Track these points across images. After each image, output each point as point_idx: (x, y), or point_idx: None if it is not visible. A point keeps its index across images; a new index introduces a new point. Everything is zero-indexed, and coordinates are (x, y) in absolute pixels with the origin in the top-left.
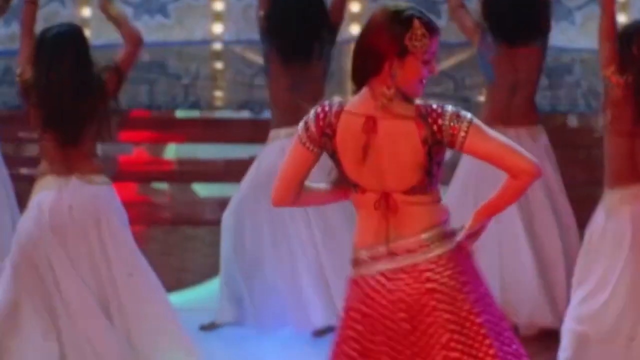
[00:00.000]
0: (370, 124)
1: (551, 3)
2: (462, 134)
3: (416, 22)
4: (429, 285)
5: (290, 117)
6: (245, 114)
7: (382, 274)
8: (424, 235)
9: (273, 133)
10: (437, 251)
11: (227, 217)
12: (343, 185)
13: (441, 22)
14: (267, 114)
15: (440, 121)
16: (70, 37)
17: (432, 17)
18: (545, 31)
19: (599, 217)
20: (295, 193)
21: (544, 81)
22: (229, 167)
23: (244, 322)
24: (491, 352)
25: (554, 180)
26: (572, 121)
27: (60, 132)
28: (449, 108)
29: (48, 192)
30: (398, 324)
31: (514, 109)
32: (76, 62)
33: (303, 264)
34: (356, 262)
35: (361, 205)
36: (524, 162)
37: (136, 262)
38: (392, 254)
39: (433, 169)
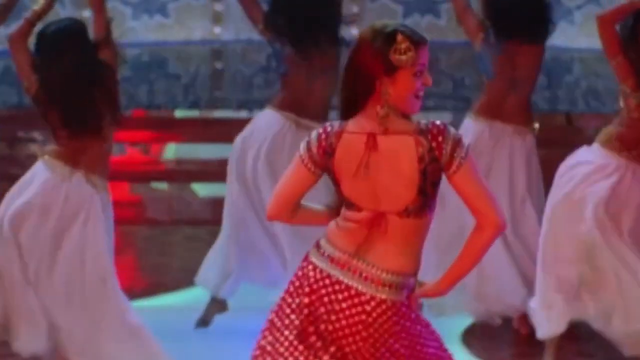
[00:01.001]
0: (372, 141)
1: (551, 3)
2: (460, 160)
3: (399, 36)
4: (364, 317)
5: (301, 109)
6: (244, 114)
7: (337, 281)
8: (386, 275)
9: (267, 109)
10: (386, 295)
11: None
12: (339, 210)
13: (441, 22)
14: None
15: (440, 138)
16: (68, 33)
17: (432, 17)
18: (548, 30)
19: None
20: (290, 210)
21: (543, 80)
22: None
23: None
24: None
25: (536, 182)
26: (572, 120)
27: (80, 127)
28: (452, 130)
29: (50, 174)
30: (328, 330)
31: (508, 106)
32: (79, 56)
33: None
34: (320, 249)
35: (352, 224)
36: (496, 214)
37: (108, 270)
38: (351, 269)
39: (427, 188)
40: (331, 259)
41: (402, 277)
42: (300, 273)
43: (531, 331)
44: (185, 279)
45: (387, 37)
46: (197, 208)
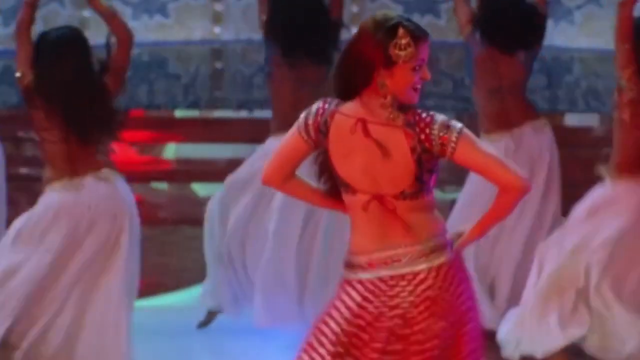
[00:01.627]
0: (360, 126)
1: (546, 15)
2: (452, 144)
3: (400, 31)
4: (427, 293)
5: (289, 124)
6: (244, 114)
7: (381, 280)
8: (423, 245)
9: (270, 140)
10: (435, 261)
11: (212, 206)
12: (333, 192)
13: (441, 22)
14: (265, 114)
15: (428, 130)
16: (69, 40)
17: (432, 17)
18: (532, 44)
19: (597, 192)
20: (284, 176)
21: (543, 80)
22: (229, 166)
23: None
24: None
25: (555, 176)
26: (571, 120)
27: (68, 133)
28: (439, 118)
29: (64, 193)
30: (393, 329)
31: (511, 112)
32: (77, 64)
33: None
34: (350, 265)
35: (352, 207)
36: (513, 177)
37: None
38: (390, 261)
39: (424, 176)
40: (369, 264)
41: (433, 240)
42: (340, 299)
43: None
44: (185, 279)
45: (389, 31)
46: (197, 208)
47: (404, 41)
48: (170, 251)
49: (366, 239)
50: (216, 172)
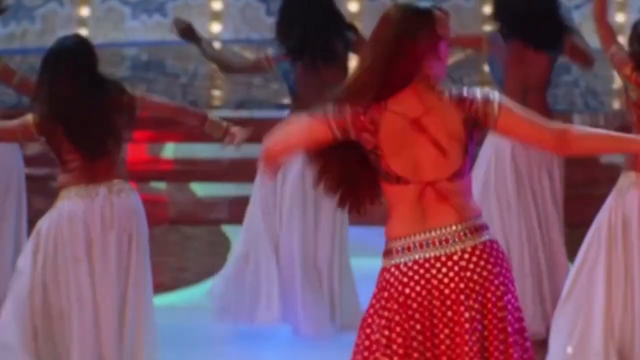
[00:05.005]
0: (416, 127)
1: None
2: (494, 115)
3: (437, 13)
4: (463, 274)
5: None
6: (243, 113)
7: (417, 262)
8: (460, 226)
9: None
10: (471, 242)
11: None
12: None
13: None
14: (264, 113)
15: (474, 105)
16: (67, 54)
17: None
18: (557, 40)
19: (608, 202)
20: (288, 153)
21: None
22: (228, 166)
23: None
24: (503, 347)
25: (558, 185)
26: (571, 120)
27: (84, 148)
28: (478, 93)
29: (78, 200)
30: (432, 311)
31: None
32: (81, 77)
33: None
34: (389, 253)
35: (401, 197)
36: (549, 137)
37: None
38: (428, 244)
39: (471, 149)
40: (407, 248)
41: (471, 221)
42: (381, 285)
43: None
44: (184, 279)
45: (428, 15)
46: (196, 208)
47: (443, 17)
48: (169, 251)
49: (405, 224)
50: (215, 171)
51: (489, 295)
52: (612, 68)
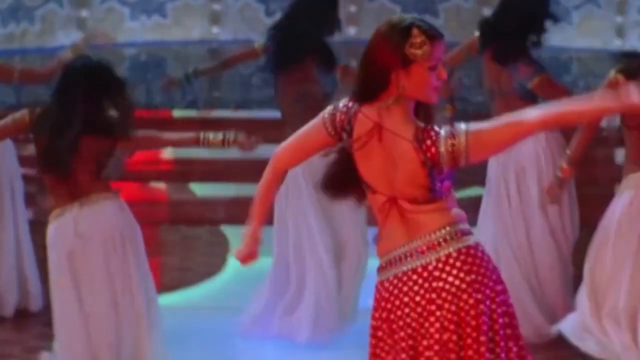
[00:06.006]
0: (375, 131)
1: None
2: (463, 157)
3: (415, 31)
4: (435, 284)
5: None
6: (242, 114)
7: (396, 277)
8: (433, 236)
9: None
10: (446, 250)
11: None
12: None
13: (439, 22)
14: (263, 113)
15: (434, 149)
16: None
17: (430, 17)
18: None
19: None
20: (295, 161)
21: None
22: (227, 166)
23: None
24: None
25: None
26: None
27: (49, 169)
28: (443, 132)
29: (55, 223)
30: (410, 325)
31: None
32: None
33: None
34: (379, 269)
35: (377, 207)
36: (528, 124)
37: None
38: (407, 256)
39: (436, 186)
40: (390, 264)
41: (450, 227)
42: (375, 300)
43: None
44: (183, 279)
45: (403, 31)
46: (195, 208)
47: (418, 40)
48: (168, 251)
49: (387, 239)
50: (214, 172)
51: (461, 304)
52: (610, 68)
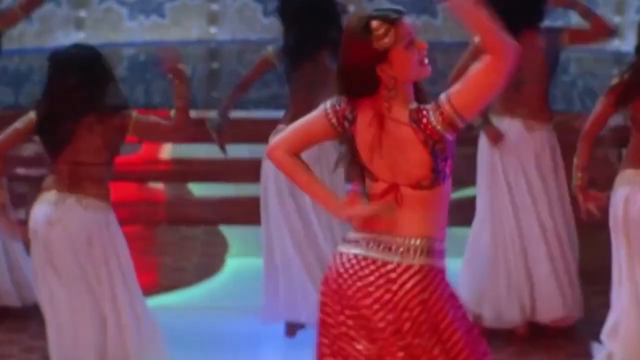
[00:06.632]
0: (377, 120)
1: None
2: (453, 113)
3: (373, 23)
4: (387, 286)
5: (302, 115)
6: (241, 114)
7: (356, 257)
8: (407, 240)
9: (279, 127)
10: (411, 260)
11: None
12: (355, 175)
13: (437, 22)
14: (262, 113)
15: (425, 120)
16: (73, 59)
17: (428, 17)
18: (532, 21)
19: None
20: (293, 151)
21: None
22: (225, 166)
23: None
24: None
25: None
26: (568, 120)
27: (46, 140)
28: (431, 106)
29: (45, 206)
30: (359, 310)
31: (521, 103)
32: (78, 83)
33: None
34: (347, 239)
35: (372, 193)
36: (486, 57)
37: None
38: (376, 244)
39: (439, 165)
40: (356, 242)
41: (426, 241)
42: (329, 268)
43: (527, 330)
44: (181, 279)
45: (364, 29)
46: (194, 208)
47: (381, 30)
48: (166, 251)
49: (376, 220)
50: (213, 172)
51: (404, 315)
52: (609, 68)
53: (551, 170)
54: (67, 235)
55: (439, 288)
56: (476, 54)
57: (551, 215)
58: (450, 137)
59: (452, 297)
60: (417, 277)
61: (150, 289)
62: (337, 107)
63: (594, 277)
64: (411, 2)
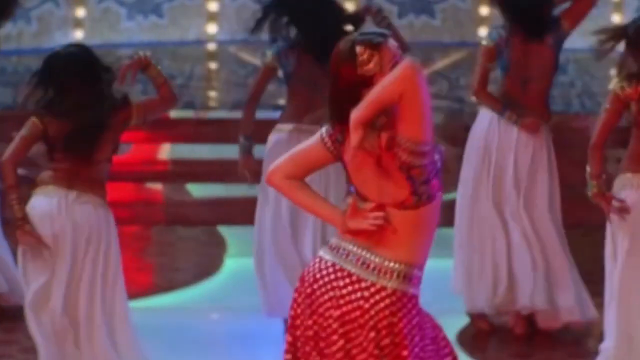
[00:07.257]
0: (360, 144)
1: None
2: (403, 143)
3: (358, 49)
4: (357, 303)
5: (302, 114)
6: (239, 114)
7: (334, 265)
8: (386, 263)
9: (278, 126)
10: (385, 282)
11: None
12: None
13: (435, 22)
14: (261, 114)
15: (396, 150)
16: (76, 59)
17: (427, 17)
18: (544, 29)
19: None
20: (289, 173)
21: None
22: (223, 167)
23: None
24: None
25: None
26: (567, 121)
27: (75, 151)
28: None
29: (47, 199)
30: (326, 320)
31: (525, 101)
32: (85, 82)
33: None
34: (330, 246)
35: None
36: (404, 73)
37: (118, 282)
38: (355, 258)
39: (419, 189)
40: (337, 250)
41: (404, 266)
42: (307, 269)
43: (526, 330)
44: (180, 280)
45: (350, 54)
46: (192, 208)
47: (365, 56)
48: (163, 251)
49: (363, 235)
50: (211, 172)
51: (371, 334)
52: (608, 68)
53: (546, 170)
54: (70, 229)
55: (409, 315)
56: (490, 55)
57: (537, 214)
58: (423, 161)
59: (420, 327)
60: (388, 300)
61: (148, 290)
62: (331, 131)
63: (594, 277)
64: (410, 2)
